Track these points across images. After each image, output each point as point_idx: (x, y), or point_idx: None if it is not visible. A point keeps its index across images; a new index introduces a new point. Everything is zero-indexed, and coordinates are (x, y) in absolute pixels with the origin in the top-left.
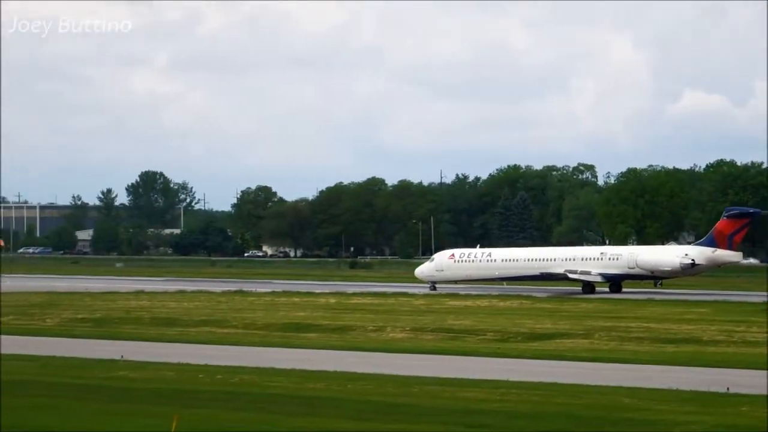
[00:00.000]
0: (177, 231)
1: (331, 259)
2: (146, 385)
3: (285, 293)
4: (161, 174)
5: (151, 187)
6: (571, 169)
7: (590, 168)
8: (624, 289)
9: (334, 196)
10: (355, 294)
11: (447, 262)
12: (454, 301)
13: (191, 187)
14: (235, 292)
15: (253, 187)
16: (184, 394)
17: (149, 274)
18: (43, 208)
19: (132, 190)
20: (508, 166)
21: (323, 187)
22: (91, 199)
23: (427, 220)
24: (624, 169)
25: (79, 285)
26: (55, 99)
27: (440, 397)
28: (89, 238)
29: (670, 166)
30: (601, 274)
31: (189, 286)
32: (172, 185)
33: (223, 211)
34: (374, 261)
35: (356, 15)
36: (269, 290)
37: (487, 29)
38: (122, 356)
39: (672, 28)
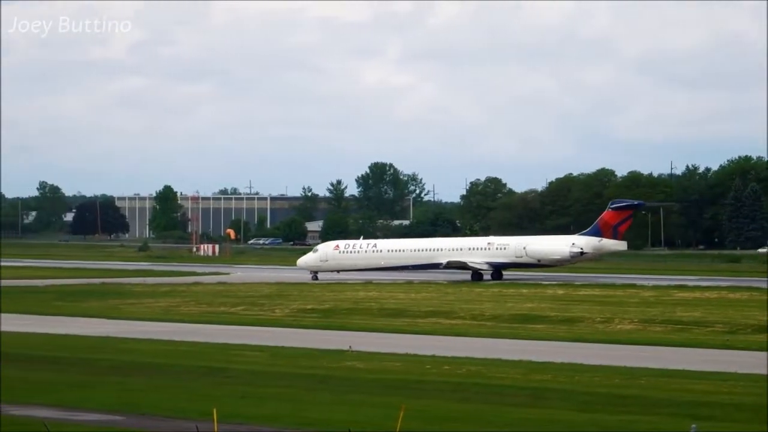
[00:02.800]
0: (406, 222)
1: None
2: (373, 376)
3: (512, 284)
4: (391, 165)
5: (381, 179)
6: None
7: None
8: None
9: (564, 186)
10: (583, 285)
11: (332, 253)
12: (683, 293)
13: (421, 179)
14: (463, 283)
15: (482, 178)
16: (411, 384)
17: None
18: (273, 199)
19: (362, 181)
20: (739, 157)
21: (552, 177)
22: (321, 190)
23: (657, 211)
24: None
25: (308, 276)
26: (288, 90)
27: (667, 389)
28: (319, 229)
29: None
30: (488, 263)
31: (417, 277)
32: (401, 177)
33: (452, 203)
34: None
35: (588, 6)
36: (496, 281)
37: (720, 19)
38: (350, 347)
39: None
